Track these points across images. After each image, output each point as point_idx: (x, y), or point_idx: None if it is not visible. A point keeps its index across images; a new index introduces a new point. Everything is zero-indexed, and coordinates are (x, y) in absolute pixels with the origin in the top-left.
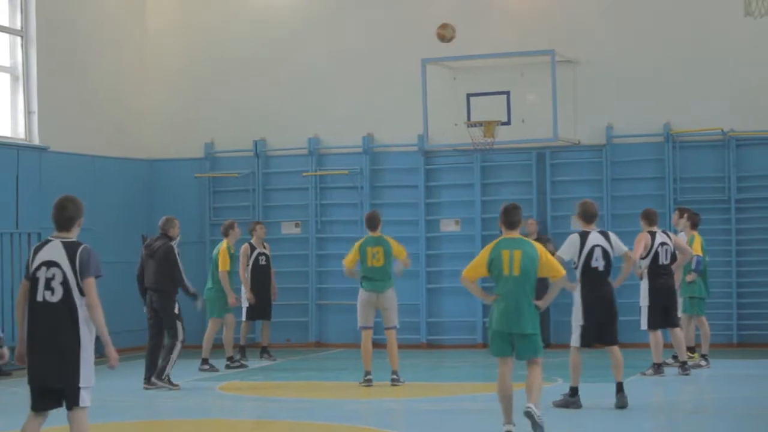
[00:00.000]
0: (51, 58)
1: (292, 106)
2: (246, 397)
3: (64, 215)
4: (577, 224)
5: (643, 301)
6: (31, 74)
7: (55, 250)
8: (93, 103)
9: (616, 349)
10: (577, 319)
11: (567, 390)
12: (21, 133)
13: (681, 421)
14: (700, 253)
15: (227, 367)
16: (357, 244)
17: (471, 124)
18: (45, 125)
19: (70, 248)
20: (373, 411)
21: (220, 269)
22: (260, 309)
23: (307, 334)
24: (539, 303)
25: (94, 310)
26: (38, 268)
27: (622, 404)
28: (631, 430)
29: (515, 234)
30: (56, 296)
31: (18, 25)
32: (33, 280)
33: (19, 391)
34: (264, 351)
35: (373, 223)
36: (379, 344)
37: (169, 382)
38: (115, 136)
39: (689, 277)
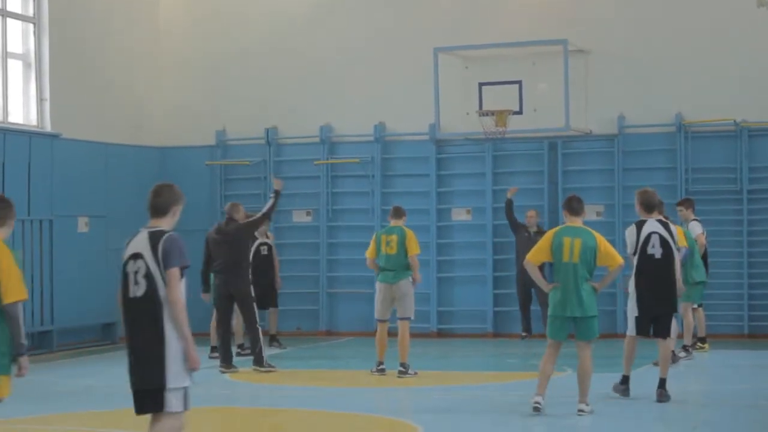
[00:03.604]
0: (63, 45)
1: (304, 94)
2: (256, 385)
3: (158, 201)
4: (588, 213)
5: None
6: (44, 61)
7: (140, 242)
8: (105, 90)
9: (664, 342)
10: (632, 309)
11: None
12: (33, 120)
13: (690, 412)
14: (686, 245)
15: (238, 354)
16: (375, 234)
17: (483, 113)
18: (57, 112)
19: (154, 237)
20: (383, 400)
21: None
22: (262, 298)
23: (317, 323)
24: (596, 285)
25: (174, 306)
26: (126, 262)
27: (661, 399)
28: (639, 420)
29: (578, 222)
30: (141, 290)
31: (30, 13)
32: (124, 275)
33: (32, 378)
34: (273, 339)
35: (395, 212)
36: (392, 333)
37: (269, 365)
38: (127, 124)
39: None
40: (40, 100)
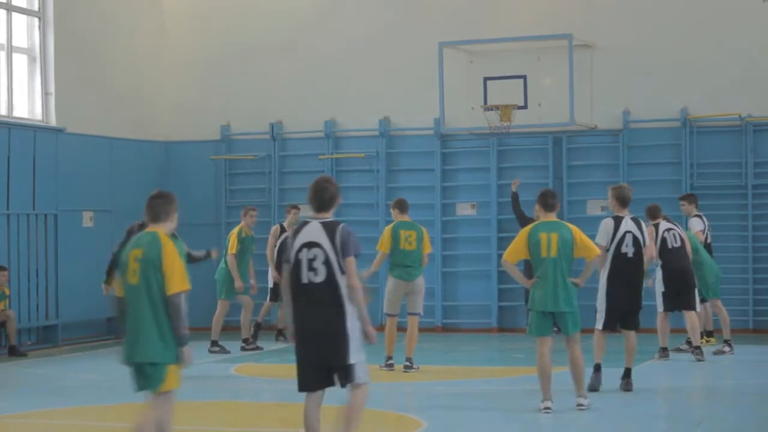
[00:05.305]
0: (68, 39)
1: (309, 88)
2: (261, 379)
3: (325, 197)
4: (593, 208)
5: (659, 287)
6: (49, 56)
7: (315, 231)
8: (110, 84)
9: (632, 334)
10: (600, 302)
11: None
12: (38, 115)
13: (695, 406)
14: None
15: (243, 349)
16: (389, 228)
17: (487, 108)
18: (62, 107)
19: (330, 228)
20: (388, 394)
21: (228, 252)
22: (276, 290)
23: None
24: (576, 281)
25: (355, 290)
26: (299, 249)
27: (627, 389)
28: (644, 415)
29: (552, 217)
30: (320, 276)
31: (35, 7)
32: (296, 262)
33: (36, 372)
34: (280, 333)
35: (405, 206)
36: (399, 327)
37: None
38: (132, 118)
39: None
40: (45, 94)
